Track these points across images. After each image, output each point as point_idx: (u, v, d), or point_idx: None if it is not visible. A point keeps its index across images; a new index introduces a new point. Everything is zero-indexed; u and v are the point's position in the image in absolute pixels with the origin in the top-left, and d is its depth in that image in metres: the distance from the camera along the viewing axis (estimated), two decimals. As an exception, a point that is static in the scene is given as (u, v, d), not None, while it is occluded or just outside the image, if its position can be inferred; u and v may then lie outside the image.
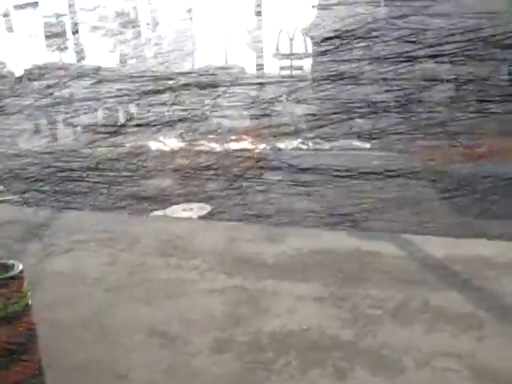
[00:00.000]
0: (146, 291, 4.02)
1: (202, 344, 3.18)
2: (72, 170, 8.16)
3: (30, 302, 2.29)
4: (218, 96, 9.96)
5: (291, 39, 24.00)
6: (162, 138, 13.05)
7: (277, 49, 24.54)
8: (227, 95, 10.04)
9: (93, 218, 6.45)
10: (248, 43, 21.72)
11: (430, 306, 3.54)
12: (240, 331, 3.32)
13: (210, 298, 3.86)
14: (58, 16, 23.18)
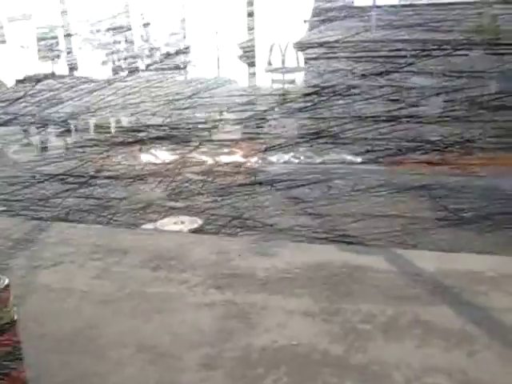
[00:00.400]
0: (134, 305, 3.97)
1: (191, 359, 3.14)
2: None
3: (15, 317, 2.25)
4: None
5: (283, 53, 24.23)
6: (153, 151, 13.04)
7: (269, 62, 24.76)
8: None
9: (81, 230, 6.39)
10: (240, 56, 21.89)
11: (420, 321, 3.54)
12: (230, 346, 3.28)
13: (199, 312, 3.82)
14: (51, 28, 23.24)
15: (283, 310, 3.79)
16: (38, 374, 2.80)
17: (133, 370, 3.06)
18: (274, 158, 12.02)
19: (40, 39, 23.39)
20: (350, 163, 10.99)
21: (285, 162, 11.66)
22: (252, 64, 19.65)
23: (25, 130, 19.57)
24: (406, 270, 4.54)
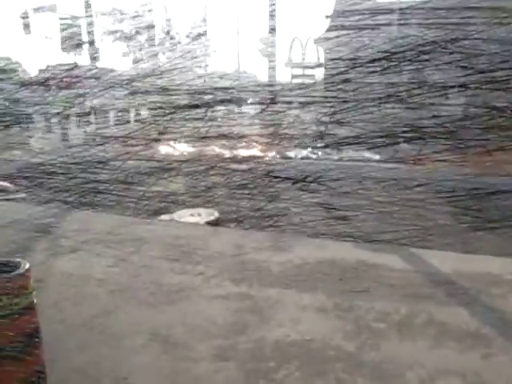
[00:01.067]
0: (149, 294, 4.02)
1: (205, 350, 3.17)
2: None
3: (35, 301, 2.30)
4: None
5: (304, 48, 24.12)
6: (171, 143, 13.13)
7: (289, 57, 24.66)
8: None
9: (100, 219, 6.48)
10: (261, 51, 21.86)
11: (435, 322, 3.51)
12: (243, 339, 3.30)
13: (214, 304, 3.85)
14: (74, 18, 23.48)
15: (297, 305, 3.80)
16: (55, 357, 2.86)
17: (147, 358, 3.10)
18: (291, 154, 12.00)
19: (63, 30, 23.68)
20: (368, 160, 10.92)
21: (302, 158, 11.63)
22: (272, 59, 19.61)
23: (47, 119, 19.87)
24: (422, 270, 4.51)
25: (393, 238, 5.34)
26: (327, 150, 11.66)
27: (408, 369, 2.94)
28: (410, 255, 4.92)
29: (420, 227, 5.76)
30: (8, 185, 8.53)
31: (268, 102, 9.76)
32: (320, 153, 11.81)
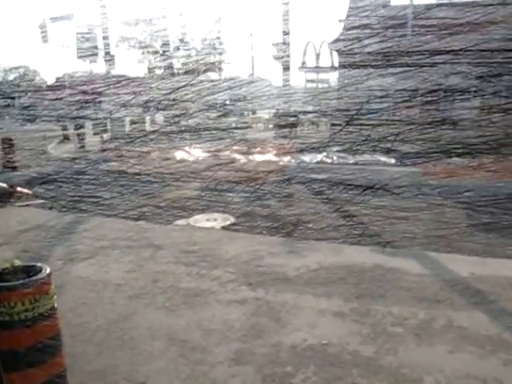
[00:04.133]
0: (167, 299, 4.05)
1: (222, 355, 3.18)
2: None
3: (56, 305, 2.34)
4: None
5: (318, 53, 24.10)
6: (187, 148, 13.30)
7: (303, 62, 24.66)
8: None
9: (116, 225, 6.55)
10: (274, 55, 21.91)
11: (453, 326, 3.47)
12: (260, 343, 3.31)
13: (230, 308, 3.86)
14: (90, 27, 23.86)
15: (313, 310, 3.79)
16: (75, 361, 2.90)
17: (164, 362, 3.13)
18: (307, 158, 12.00)
19: (79, 39, 24.08)
20: (384, 164, 10.91)
21: (317, 162, 11.63)
22: (286, 63, 19.64)
23: (64, 128, 20.18)
24: (440, 274, 4.46)
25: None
26: (342, 155, 11.84)
27: (426, 374, 2.92)
28: (427, 259, 4.88)
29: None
30: (27, 191, 8.67)
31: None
32: (335, 157, 11.85)
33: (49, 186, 9.60)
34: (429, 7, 15.51)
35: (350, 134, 11.08)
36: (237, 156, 12.29)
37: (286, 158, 12.07)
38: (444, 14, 14.30)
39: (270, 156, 12.47)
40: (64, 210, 7.68)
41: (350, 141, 11.09)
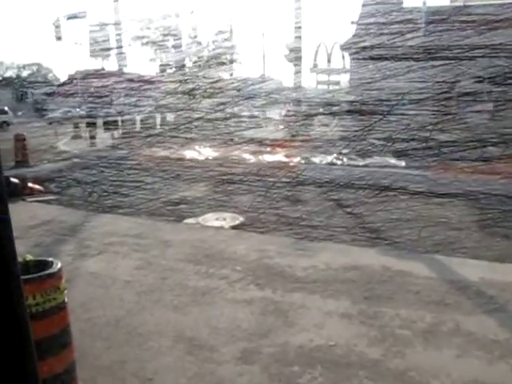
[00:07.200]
0: (175, 297, 4.07)
1: (229, 353, 3.19)
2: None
3: (66, 299, 2.36)
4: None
5: (329, 54, 24.03)
6: (197, 147, 13.34)
7: (314, 63, 24.61)
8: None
9: (126, 222, 6.59)
10: (286, 56, 21.90)
11: (461, 330, 3.46)
12: (267, 343, 3.32)
13: (238, 307, 3.87)
14: (102, 25, 24.01)
15: (321, 310, 3.79)
16: (83, 355, 2.93)
17: (171, 359, 3.15)
18: (316, 159, 11.98)
19: (92, 37, 24.26)
20: (394, 167, 10.86)
21: (327, 164, 11.60)
22: (298, 64, 19.62)
23: (76, 125, 20.35)
24: (448, 278, 4.44)
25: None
26: (353, 156, 11.80)
27: (433, 378, 2.91)
28: (436, 262, 4.86)
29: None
30: (39, 187, 8.75)
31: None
32: (345, 159, 11.82)
33: (60, 184, 9.70)
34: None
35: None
36: (247, 156, 12.33)
37: (297, 159, 12.07)
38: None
39: (281, 156, 12.47)
40: (76, 206, 7.74)
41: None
